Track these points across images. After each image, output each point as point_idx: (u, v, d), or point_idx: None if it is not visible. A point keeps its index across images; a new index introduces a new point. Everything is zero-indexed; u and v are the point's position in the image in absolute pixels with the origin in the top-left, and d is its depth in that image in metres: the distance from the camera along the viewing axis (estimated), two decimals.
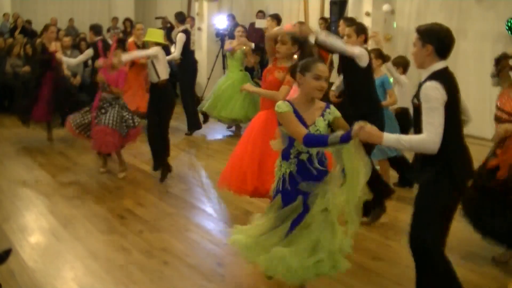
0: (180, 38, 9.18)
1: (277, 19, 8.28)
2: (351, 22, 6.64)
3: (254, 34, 11.46)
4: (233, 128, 9.79)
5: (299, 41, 5.04)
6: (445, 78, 3.31)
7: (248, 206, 5.81)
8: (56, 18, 14.65)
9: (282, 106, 3.49)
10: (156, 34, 6.75)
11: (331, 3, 10.15)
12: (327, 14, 11.00)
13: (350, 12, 9.23)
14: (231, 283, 4.27)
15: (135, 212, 5.80)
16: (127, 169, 6.99)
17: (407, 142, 3.25)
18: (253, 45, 9.17)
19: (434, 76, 3.29)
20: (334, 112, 3.57)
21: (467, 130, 10.10)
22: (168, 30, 15.03)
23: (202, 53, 13.14)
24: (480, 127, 8.79)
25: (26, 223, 5.51)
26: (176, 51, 9.19)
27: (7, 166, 7.53)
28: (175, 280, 4.31)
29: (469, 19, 9.24)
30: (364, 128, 3.19)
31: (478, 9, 9.08)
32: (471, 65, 9.14)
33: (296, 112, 3.50)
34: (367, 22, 8.85)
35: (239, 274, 4.42)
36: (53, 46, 8.41)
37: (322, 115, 3.54)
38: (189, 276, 4.37)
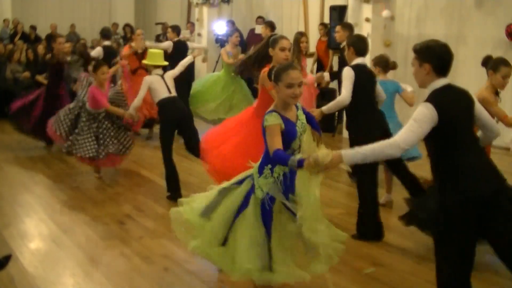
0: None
1: (271, 26, 8.34)
2: (349, 28, 6.67)
3: (254, 39, 11.48)
4: None
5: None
6: (443, 98, 3.17)
7: None
8: (56, 24, 14.71)
9: (270, 119, 3.43)
10: (155, 57, 6.56)
11: (331, 9, 10.17)
12: (326, 20, 11.02)
13: (350, 18, 9.24)
14: None
15: (135, 218, 5.80)
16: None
17: (368, 150, 3.09)
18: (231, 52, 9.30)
19: (431, 97, 3.18)
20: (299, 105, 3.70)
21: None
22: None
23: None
24: (479, 132, 8.80)
25: (26, 229, 5.51)
26: (177, 67, 9.18)
27: (7, 172, 7.53)
28: (175, 286, 4.31)
29: (468, 25, 9.26)
30: (309, 160, 3.11)
31: (477, 15, 9.10)
32: (471, 71, 9.14)
33: (282, 118, 3.48)
34: (367, 28, 8.87)
35: (239, 281, 4.41)
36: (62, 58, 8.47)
37: (297, 109, 3.61)
38: (189, 282, 4.37)
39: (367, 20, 8.83)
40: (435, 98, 3.16)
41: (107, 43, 9.47)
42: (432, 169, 3.23)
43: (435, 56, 3.25)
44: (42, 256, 4.86)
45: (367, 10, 8.91)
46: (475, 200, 3.03)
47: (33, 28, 14.56)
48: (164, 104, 6.27)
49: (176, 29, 9.85)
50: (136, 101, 6.41)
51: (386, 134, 4.70)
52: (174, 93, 6.38)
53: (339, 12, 9.79)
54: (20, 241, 5.17)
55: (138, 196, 6.53)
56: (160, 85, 6.34)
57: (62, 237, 5.29)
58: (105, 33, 9.15)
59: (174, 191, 6.28)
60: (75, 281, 4.37)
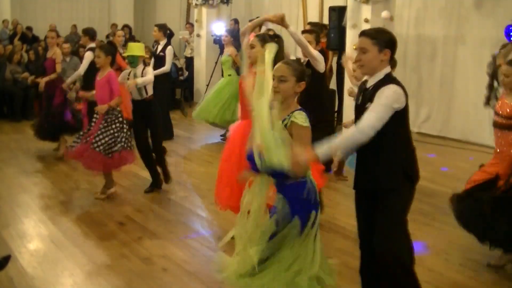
0: (169, 51, 9.21)
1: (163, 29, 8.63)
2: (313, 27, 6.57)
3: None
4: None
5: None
6: (401, 84, 3.30)
7: None
8: (55, 24, 14.68)
9: (305, 120, 3.29)
10: (136, 48, 6.46)
11: (330, 10, 10.16)
12: (326, 21, 11.02)
13: (349, 18, 9.24)
14: None
15: (134, 218, 5.80)
16: (106, 194, 6.39)
17: (339, 141, 3.20)
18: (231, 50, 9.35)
19: (394, 80, 3.30)
20: (293, 117, 3.27)
21: (466, 136, 10.16)
22: (168, 36, 15.08)
23: (201, 60, 13.16)
24: (479, 133, 8.81)
25: (25, 230, 5.50)
26: (166, 64, 9.18)
27: (6, 172, 7.52)
28: (174, 287, 4.30)
29: (467, 26, 9.26)
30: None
31: (477, 15, 9.10)
32: (469, 72, 9.15)
33: None
34: (366, 28, 8.86)
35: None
36: (50, 52, 8.24)
37: (284, 119, 3.31)
38: (188, 283, 4.37)
39: (366, 20, 8.82)
40: (399, 84, 3.27)
41: (92, 45, 8.64)
42: (372, 148, 3.27)
43: (394, 44, 3.39)
44: (41, 257, 4.85)
45: (366, 11, 8.90)
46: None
47: (29, 29, 14.55)
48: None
49: (163, 29, 9.49)
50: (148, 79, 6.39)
51: None
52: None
53: (338, 12, 9.77)
54: (19, 241, 5.17)
55: (137, 197, 6.53)
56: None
57: (61, 237, 5.29)
58: (92, 34, 8.72)
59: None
60: (74, 281, 4.36)
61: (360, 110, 3.36)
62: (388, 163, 3.33)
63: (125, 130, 6.22)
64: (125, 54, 6.70)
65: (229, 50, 9.36)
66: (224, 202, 4.99)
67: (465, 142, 9.03)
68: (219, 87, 9.38)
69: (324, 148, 3.16)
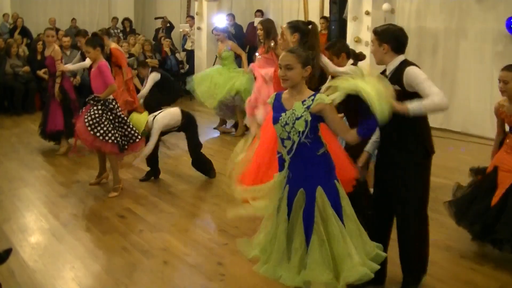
0: (152, 77, 9.15)
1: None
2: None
3: (253, 33, 11.46)
4: (230, 129, 9.82)
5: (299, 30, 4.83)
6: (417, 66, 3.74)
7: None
8: (55, 18, 14.65)
9: (328, 98, 3.39)
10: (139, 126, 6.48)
11: (331, 3, 10.15)
12: (326, 13, 11.00)
13: (350, 11, 9.22)
14: (232, 282, 4.27)
15: (135, 211, 5.80)
16: (118, 190, 6.36)
17: (429, 103, 3.54)
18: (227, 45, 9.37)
19: (407, 64, 3.71)
20: (319, 99, 3.35)
21: (467, 129, 10.15)
22: (168, 29, 15.07)
23: (202, 53, 13.14)
24: (481, 126, 8.80)
25: (26, 223, 5.51)
26: (145, 88, 9.13)
27: (7, 166, 7.53)
28: (176, 279, 4.31)
29: (469, 19, 9.23)
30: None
31: (478, 9, 9.08)
32: (471, 65, 9.14)
33: (277, 99, 3.50)
34: (367, 21, 8.85)
35: (239, 273, 4.41)
36: (49, 51, 8.14)
37: (304, 100, 3.40)
38: (189, 275, 4.37)
39: (367, 13, 8.80)
40: (413, 64, 3.73)
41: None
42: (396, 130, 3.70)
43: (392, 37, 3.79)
44: (42, 250, 4.86)
45: (367, 3, 8.88)
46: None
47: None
48: None
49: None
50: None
51: None
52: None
53: (339, 5, 9.76)
54: (20, 235, 5.18)
55: (138, 189, 6.53)
56: None
57: (62, 231, 5.30)
58: (86, 35, 8.59)
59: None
60: (75, 274, 4.37)
61: None
62: (412, 139, 3.75)
63: (106, 122, 6.16)
64: None
65: (226, 44, 9.31)
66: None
67: (466, 135, 9.03)
68: (229, 76, 9.34)
69: (416, 104, 3.54)
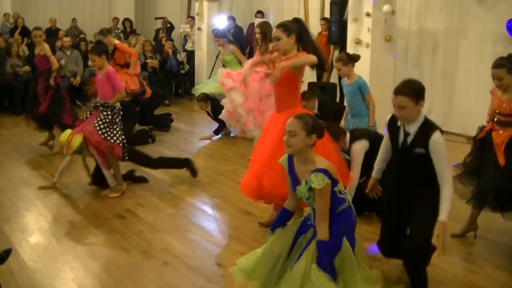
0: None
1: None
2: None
3: (254, 34, 11.45)
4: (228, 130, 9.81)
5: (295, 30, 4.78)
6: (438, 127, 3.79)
7: (248, 207, 5.81)
8: (55, 18, 14.67)
9: (322, 180, 3.34)
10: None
11: (331, 4, 10.14)
12: (327, 14, 11.00)
13: (350, 12, 9.21)
14: (231, 284, 4.26)
15: (135, 212, 5.80)
16: (119, 191, 6.32)
17: (449, 203, 3.68)
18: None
19: (434, 126, 3.73)
20: (311, 182, 3.38)
21: (467, 130, 10.14)
22: (168, 30, 15.07)
23: (202, 53, 13.15)
24: None
25: (26, 223, 5.51)
26: None
27: (7, 166, 7.53)
28: (175, 280, 4.30)
29: (469, 20, 9.24)
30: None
31: (478, 9, 9.08)
32: (471, 66, 9.14)
33: (290, 165, 3.52)
34: (367, 22, 8.84)
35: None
36: (38, 49, 8.06)
37: (307, 180, 3.42)
38: (189, 276, 4.37)
39: (368, 14, 8.79)
40: (437, 126, 3.81)
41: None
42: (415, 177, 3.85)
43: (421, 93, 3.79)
44: (42, 250, 4.86)
45: (367, 5, 8.87)
46: None
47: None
48: None
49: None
50: None
51: None
52: None
53: (339, 6, 9.75)
54: (20, 235, 5.18)
55: (138, 190, 6.53)
56: None
57: (61, 231, 5.29)
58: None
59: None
60: (75, 275, 4.37)
61: (408, 152, 3.77)
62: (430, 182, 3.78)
63: (115, 127, 6.21)
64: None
65: (227, 48, 9.27)
66: (252, 193, 4.89)
67: (466, 136, 9.01)
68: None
69: (444, 214, 3.65)
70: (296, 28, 4.74)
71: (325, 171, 3.33)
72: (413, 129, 3.74)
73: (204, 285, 4.21)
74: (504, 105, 4.70)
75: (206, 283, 4.25)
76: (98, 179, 6.47)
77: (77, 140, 6.14)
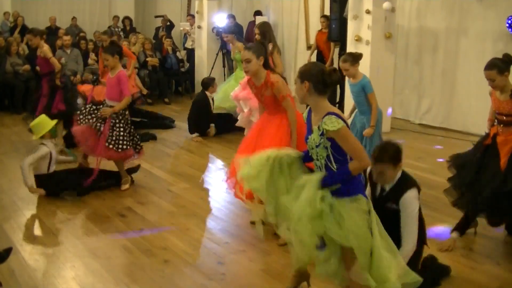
0: None
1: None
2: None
3: (253, 33, 11.43)
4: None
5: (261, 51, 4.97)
6: (415, 182, 3.86)
7: (249, 205, 5.80)
8: (55, 17, 14.65)
9: (336, 121, 3.19)
10: (42, 127, 6.21)
11: (331, 1, 10.12)
12: (327, 12, 10.98)
13: (350, 9, 9.20)
14: (232, 281, 4.27)
15: (135, 210, 5.80)
16: (128, 182, 6.55)
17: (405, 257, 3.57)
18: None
19: (409, 182, 3.78)
20: (324, 124, 3.22)
21: (468, 128, 10.12)
22: (168, 28, 15.06)
23: (202, 51, 13.12)
24: (481, 125, 8.76)
25: (27, 222, 5.51)
26: None
27: (7, 165, 7.53)
28: (176, 279, 4.31)
29: (469, 18, 9.22)
30: None
31: (478, 7, 9.06)
32: (471, 64, 9.12)
33: (309, 115, 3.45)
34: (367, 20, 8.83)
35: (240, 272, 4.42)
36: (38, 51, 7.99)
37: (319, 125, 3.27)
38: (190, 275, 4.37)
39: (368, 12, 8.78)
40: (414, 181, 3.89)
41: (44, 45, 8.07)
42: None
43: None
44: (42, 249, 4.86)
45: (367, 2, 8.86)
46: None
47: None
48: None
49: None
50: None
51: None
52: None
53: (339, 4, 9.73)
54: (20, 234, 5.18)
55: (138, 188, 6.53)
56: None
57: (62, 229, 5.30)
58: (42, 33, 8.40)
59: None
60: (75, 273, 4.37)
61: (381, 205, 3.74)
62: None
63: (127, 130, 6.37)
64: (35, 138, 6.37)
65: (237, 46, 9.23)
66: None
67: (466, 134, 9.01)
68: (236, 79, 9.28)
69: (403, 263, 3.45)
70: (263, 51, 5.01)
71: (337, 115, 3.23)
72: (389, 186, 3.81)
73: (205, 283, 4.22)
74: (503, 105, 4.69)
75: (207, 281, 4.25)
76: (69, 142, 7.19)
77: (50, 124, 6.21)
